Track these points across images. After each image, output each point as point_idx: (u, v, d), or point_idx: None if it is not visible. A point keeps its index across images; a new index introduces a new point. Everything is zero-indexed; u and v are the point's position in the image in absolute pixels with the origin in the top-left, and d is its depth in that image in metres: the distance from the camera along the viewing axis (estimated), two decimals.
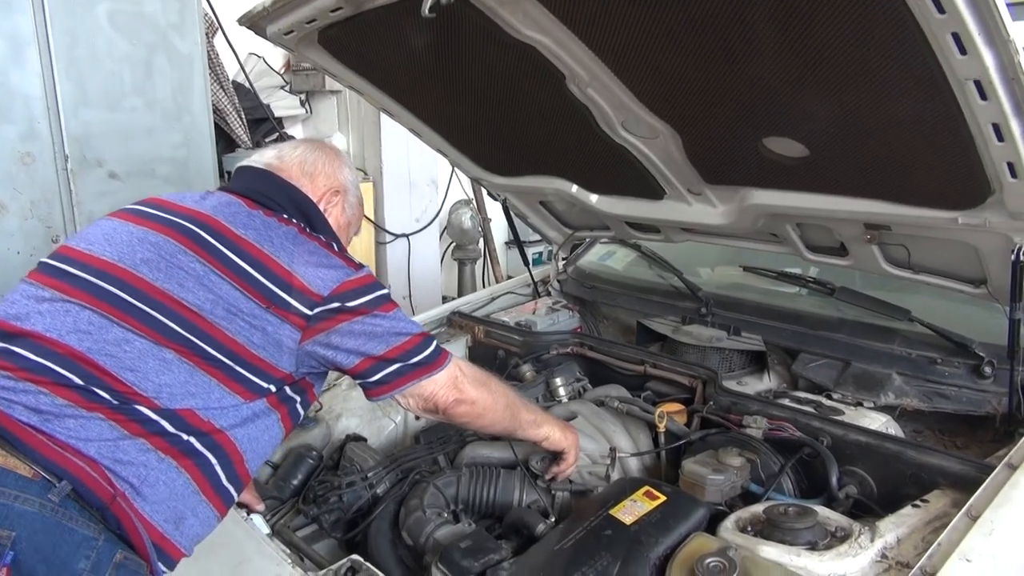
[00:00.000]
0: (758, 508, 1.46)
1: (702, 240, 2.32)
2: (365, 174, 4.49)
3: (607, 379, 2.16)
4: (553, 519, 1.57)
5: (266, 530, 1.69)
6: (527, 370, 2.22)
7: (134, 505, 1.14)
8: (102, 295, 1.24)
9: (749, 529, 1.42)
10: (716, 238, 2.26)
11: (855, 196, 1.70)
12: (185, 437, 1.20)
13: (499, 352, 2.37)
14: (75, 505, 1.08)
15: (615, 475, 1.72)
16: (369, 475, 1.76)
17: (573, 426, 1.74)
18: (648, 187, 2.10)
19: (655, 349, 2.30)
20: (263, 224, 1.34)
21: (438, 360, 1.40)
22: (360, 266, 1.37)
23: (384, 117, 2.73)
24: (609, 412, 1.92)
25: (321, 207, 1.50)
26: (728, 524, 1.43)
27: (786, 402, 1.84)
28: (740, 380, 2.10)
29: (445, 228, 4.91)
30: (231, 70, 4.21)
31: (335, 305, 1.30)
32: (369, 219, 4.43)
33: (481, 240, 4.96)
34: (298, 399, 1.38)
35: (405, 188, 4.60)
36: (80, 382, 1.16)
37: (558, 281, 2.84)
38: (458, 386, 1.42)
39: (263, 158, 1.53)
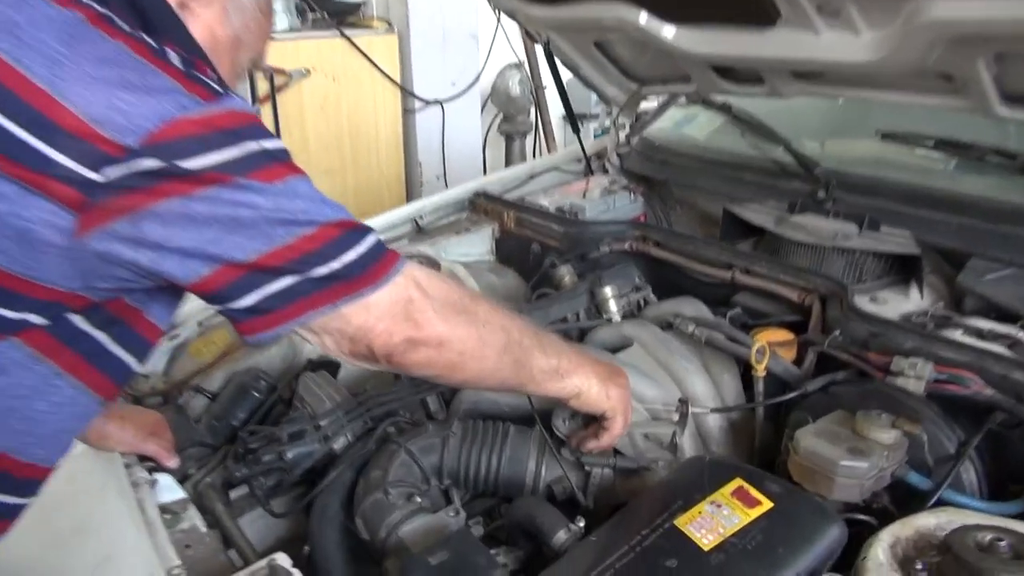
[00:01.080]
0: (929, 521, 0.89)
1: (825, 92, 1.65)
2: (389, 24, 3.81)
3: (679, 289, 1.56)
4: (582, 524, 0.98)
5: (179, 495, 1.22)
6: (566, 272, 1.64)
7: None
8: None
9: (919, 567, 0.83)
10: (849, 88, 1.59)
11: None
12: None
13: (533, 246, 1.87)
14: None
15: (687, 445, 1.13)
16: (323, 423, 1.23)
17: (624, 370, 1.11)
18: (754, 6, 1.42)
19: (748, 248, 1.69)
20: (15, 4, 0.69)
21: (374, 269, 0.78)
22: (218, 95, 0.72)
23: None
24: (680, 340, 1.33)
25: (172, 1, 0.83)
26: (879, 555, 0.85)
27: (958, 335, 1.20)
28: (875, 296, 1.44)
29: (490, 95, 4.23)
30: None
31: (152, 165, 0.67)
32: (394, 81, 3.79)
33: (533, 109, 4.26)
34: (102, 335, 0.78)
35: (438, 43, 3.90)
36: None
37: (618, 155, 2.22)
38: (412, 315, 0.80)
39: None
